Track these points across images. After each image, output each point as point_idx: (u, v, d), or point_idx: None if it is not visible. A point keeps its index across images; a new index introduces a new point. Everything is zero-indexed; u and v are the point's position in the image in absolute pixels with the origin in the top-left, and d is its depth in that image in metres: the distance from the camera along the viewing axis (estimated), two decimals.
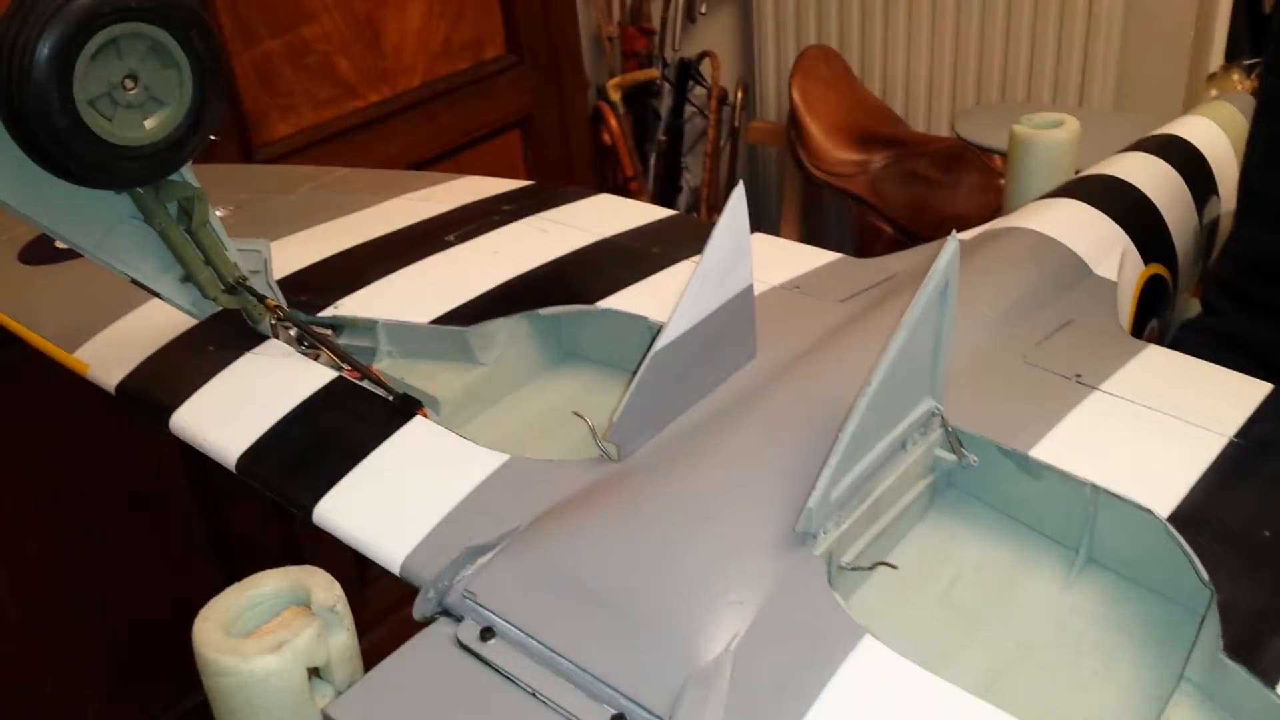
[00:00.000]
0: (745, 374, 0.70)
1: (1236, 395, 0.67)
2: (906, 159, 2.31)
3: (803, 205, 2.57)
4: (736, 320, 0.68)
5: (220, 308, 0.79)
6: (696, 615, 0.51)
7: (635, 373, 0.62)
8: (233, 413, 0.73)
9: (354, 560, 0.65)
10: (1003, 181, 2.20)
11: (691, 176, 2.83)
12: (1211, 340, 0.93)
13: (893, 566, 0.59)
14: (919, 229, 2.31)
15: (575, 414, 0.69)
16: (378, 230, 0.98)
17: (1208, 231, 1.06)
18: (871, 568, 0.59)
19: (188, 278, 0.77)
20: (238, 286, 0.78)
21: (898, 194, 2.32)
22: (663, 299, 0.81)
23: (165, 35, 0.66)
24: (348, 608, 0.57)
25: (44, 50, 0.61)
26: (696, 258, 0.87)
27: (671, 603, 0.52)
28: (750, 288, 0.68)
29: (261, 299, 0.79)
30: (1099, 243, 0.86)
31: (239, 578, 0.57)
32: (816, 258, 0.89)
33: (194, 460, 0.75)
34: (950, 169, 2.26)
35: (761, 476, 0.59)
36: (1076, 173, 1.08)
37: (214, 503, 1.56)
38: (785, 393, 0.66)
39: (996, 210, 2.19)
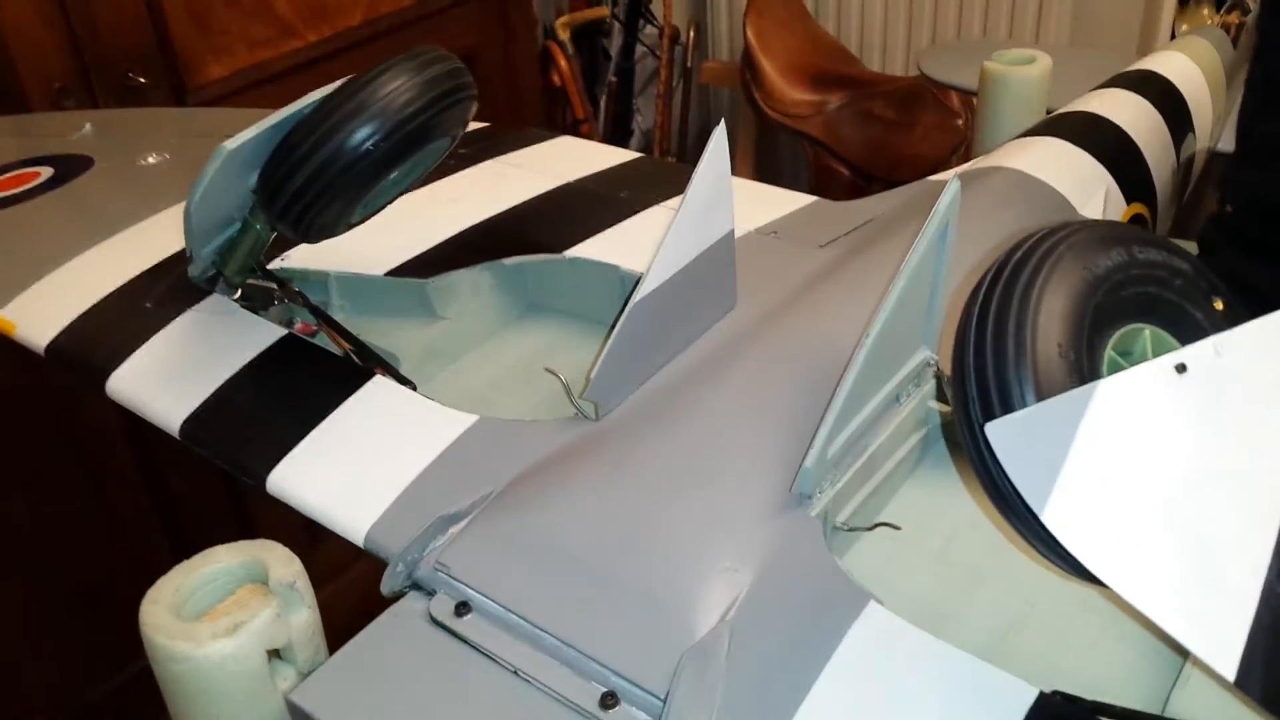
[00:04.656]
0: (726, 325, 0.66)
1: None
2: (863, 99, 2.27)
3: (758, 148, 2.52)
4: (717, 268, 0.64)
5: (215, 271, 0.74)
6: (689, 585, 0.48)
7: (613, 326, 0.58)
8: (175, 375, 0.68)
9: (302, 520, 0.61)
10: (960, 121, 2.18)
11: (643, 119, 2.76)
12: None
13: (895, 527, 0.56)
14: (876, 170, 2.27)
15: (547, 370, 0.64)
16: None
17: (1184, 170, 1.03)
18: (872, 528, 0.56)
19: (228, 249, 0.73)
20: (259, 269, 0.74)
21: (854, 135, 2.28)
22: (633, 247, 0.77)
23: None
24: (309, 583, 0.52)
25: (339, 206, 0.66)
26: (667, 203, 0.83)
27: (662, 572, 0.49)
28: (731, 233, 0.64)
29: (282, 284, 0.75)
30: (1083, 182, 0.83)
31: (185, 540, 0.53)
32: (791, 201, 0.85)
33: (134, 420, 0.69)
34: (907, 109, 2.22)
35: (750, 435, 0.55)
36: (1047, 111, 1.05)
37: (157, 464, 1.50)
38: (770, 346, 0.62)
39: (953, 150, 2.18)
